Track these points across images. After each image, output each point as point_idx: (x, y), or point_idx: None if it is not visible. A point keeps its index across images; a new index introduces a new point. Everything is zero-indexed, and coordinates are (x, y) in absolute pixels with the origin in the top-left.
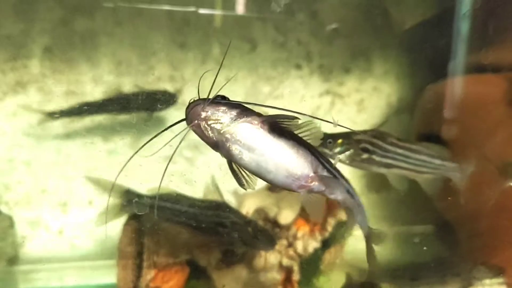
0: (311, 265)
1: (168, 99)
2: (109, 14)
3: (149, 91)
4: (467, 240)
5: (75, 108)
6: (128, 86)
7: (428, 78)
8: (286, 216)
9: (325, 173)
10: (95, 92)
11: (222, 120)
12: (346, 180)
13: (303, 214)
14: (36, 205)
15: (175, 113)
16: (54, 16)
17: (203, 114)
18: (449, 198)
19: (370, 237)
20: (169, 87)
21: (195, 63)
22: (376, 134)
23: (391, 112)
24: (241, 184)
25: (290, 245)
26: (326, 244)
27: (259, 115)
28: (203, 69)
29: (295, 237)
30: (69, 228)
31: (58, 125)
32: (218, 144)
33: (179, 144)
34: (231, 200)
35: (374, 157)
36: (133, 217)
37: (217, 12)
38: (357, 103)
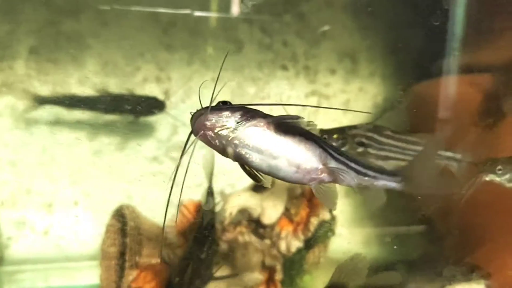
0: (294, 265)
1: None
2: (95, 15)
3: (135, 95)
4: (447, 238)
5: (64, 98)
6: (114, 87)
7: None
8: (270, 215)
9: (333, 163)
10: (81, 93)
11: (227, 125)
12: (358, 162)
13: (287, 214)
14: (22, 205)
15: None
16: (40, 17)
17: (208, 124)
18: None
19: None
20: (155, 88)
21: (181, 64)
22: (370, 128)
23: (387, 107)
24: (257, 181)
25: (274, 245)
26: (309, 244)
27: (263, 115)
28: (190, 70)
29: (278, 237)
30: (54, 229)
31: (44, 125)
32: (227, 150)
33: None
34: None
35: (369, 150)
36: (116, 218)
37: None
38: (343, 104)
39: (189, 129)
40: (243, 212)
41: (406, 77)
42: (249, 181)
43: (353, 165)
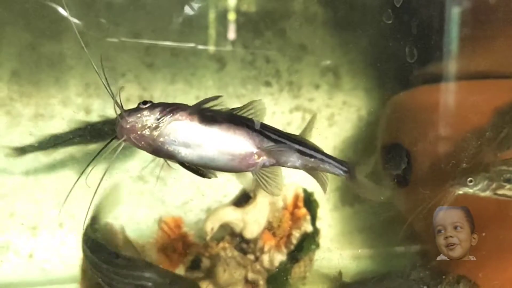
0: (278, 279)
1: None
2: (76, 36)
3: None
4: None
5: (42, 143)
6: (97, 107)
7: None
8: (252, 230)
9: (270, 144)
10: (64, 114)
11: (149, 124)
12: (302, 144)
13: (269, 227)
14: (5, 229)
15: None
16: (21, 40)
17: (129, 126)
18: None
19: (352, 175)
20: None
21: (164, 83)
22: None
23: None
24: (203, 175)
25: (257, 259)
26: (294, 257)
27: (184, 107)
28: (172, 89)
29: (262, 251)
30: (39, 252)
31: None
32: (157, 150)
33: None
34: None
35: None
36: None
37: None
38: (327, 117)
39: None
40: (226, 227)
41: (388, 88)
42: (232, 196)
43: (296, 146)
